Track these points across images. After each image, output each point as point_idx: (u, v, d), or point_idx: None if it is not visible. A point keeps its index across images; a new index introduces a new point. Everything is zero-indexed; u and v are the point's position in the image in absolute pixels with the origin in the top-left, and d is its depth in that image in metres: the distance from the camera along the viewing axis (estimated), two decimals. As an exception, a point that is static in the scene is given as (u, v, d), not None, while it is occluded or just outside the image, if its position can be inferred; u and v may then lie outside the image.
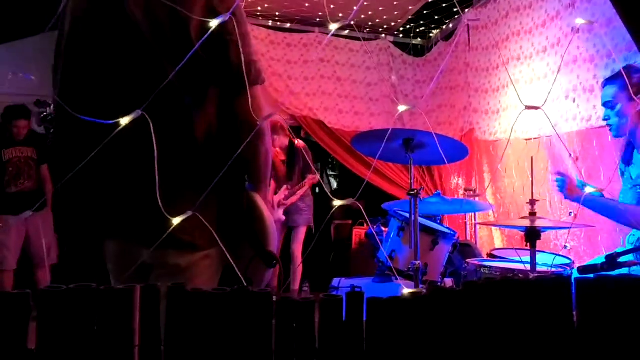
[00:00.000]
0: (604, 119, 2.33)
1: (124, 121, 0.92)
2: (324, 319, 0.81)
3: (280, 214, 4.41)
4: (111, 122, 0.95)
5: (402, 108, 1.26)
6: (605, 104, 2.31)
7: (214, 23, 1.06)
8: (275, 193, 4.48)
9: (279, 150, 4.54)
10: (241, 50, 1.17)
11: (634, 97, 2.14)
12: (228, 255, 0.98)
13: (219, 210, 1.23)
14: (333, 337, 0.80)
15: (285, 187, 4.46)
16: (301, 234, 4.56)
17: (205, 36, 1.06)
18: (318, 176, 4.55)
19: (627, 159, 2.31)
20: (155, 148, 1.02)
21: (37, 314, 0.74)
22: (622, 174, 2.35)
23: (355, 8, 4.67)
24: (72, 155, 1.21)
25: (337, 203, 1.08)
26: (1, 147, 3.98)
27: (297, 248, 4.52)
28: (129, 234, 1.20)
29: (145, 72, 1.18)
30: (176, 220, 0.94)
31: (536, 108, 1.20)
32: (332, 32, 1.11)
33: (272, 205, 4.40)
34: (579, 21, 2.91)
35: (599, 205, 2.23)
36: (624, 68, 2.28)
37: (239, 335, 0.77)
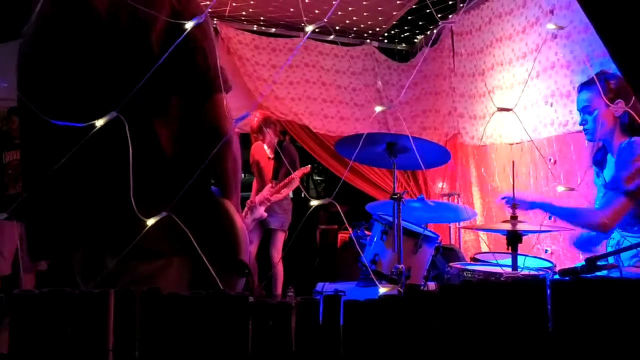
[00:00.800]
0: (581, 124, 2.35)
1: (99, 123, 0.91)
2: (300, 322, 0.81)
3: (261, 211, 4.37)
4: (84, 124, 0.94)
5: (379, 109, 1.27)
6: (582, 109, 2.33)
7: (188, 25, 1.05)
8: (261, 188, 4.47)
9: (266, 148, 4.54)
10: (208, 55, 1.16)
11: (609, 103, 2.18)
12: (204, 258, 0.97)
13: (188, 218, 1.20)
14: (310, 340, 0.80)
15: (270, 184, 4.44)
16: (279, 238, 4.54)
17: (177, 42, 1.05)
18: (309, 167, 4.53)
19: (598, 161, 2.35)
20: (130, 150, 1.01)
21: (9, 319, 0.73)
22: (598, 175, 2.38)
23: (340, 13, 4.70)
24: (37, 160, 1.20)
25: (313, 203, 1.09)
26: (2, 149, 3.97)
27: (276, 255, 4.50)
28: (93, 244, 1.18)
29: (108, 77, 1.16)
30: (150, 221, 0.93)
31: (508, 110, 1.22)
32: (307, 34, 1.10)
33: (253, 204, 4.40)
34: (550, 27, 2.96)
35: (554, 210, 2.28)
36: (599, 73, 2.31)
37: (215, 339, 0.77)
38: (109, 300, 0.74)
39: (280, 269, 4.58)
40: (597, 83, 2.23)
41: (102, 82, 1.16)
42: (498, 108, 1.23)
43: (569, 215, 2.23)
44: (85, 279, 1.25)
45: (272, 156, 4.53)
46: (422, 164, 2.02)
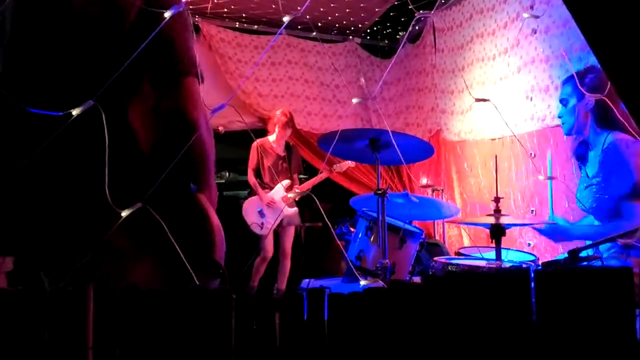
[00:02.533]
0: (558, 116, 2.40)
1: (76, 112, 0.89)
2: (284, 317, 0.80)
3: (289, 208, 4.48)
4: (60, 113, 0.92)
5: (355, 100, 1.26)
6: (560, 101, 2.39)
7: (167, 14, 1.04)
8: (264, 188, 4.47)
9: (275, 145, 4.53)
10: (179, 42, 1.14)
11: (582, 96, 2.24)
12: (182, 256, 0.95)
13: (161, 213, 1.13)
14: (294, 334, 0.80)
15: (286, 182, 4.46)
16: (292, 233, 4.66)
17: (155, 32, 1.04)
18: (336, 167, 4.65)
19: (580, 155, 2.38)
20: (106, 141, 0.99)
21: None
22: (580, 169, 2.41)
23: (322, 9, 4.68)
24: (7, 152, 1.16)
25: (290, 195, 1.07)
26: None
27: (289, 250, 4.61)
28: (58, 244, 1.15)
29: (83, 66, 1.14)
30: (124, 213, 0.91)
31: (485, 100, 1.22)
32: (284, 24, 1.09)
33: (274, 203, 4.42)
34: (525, 15, 3.00)
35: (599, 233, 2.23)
36: (585, 67, 2.36)
37: (197, 335, 0.75)
38: (88, 296, 0.72)
39: (288, 264, 4.60)
40: (574, 78, 2.29)
41: (77, 71, 1.13)
42: (475, 99, 1.24)
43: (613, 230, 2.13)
44: (52, 283, 1.22)
45: (283, 154, 4.54)
46: (407, 159, 2.02)
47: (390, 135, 1.89)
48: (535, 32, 3.35)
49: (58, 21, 1.14)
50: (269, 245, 4.50)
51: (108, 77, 1.07)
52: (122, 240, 1.10)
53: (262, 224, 4.42)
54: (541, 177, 2.30)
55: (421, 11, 4.77)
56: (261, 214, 4.43)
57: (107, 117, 1.08)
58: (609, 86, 2.20)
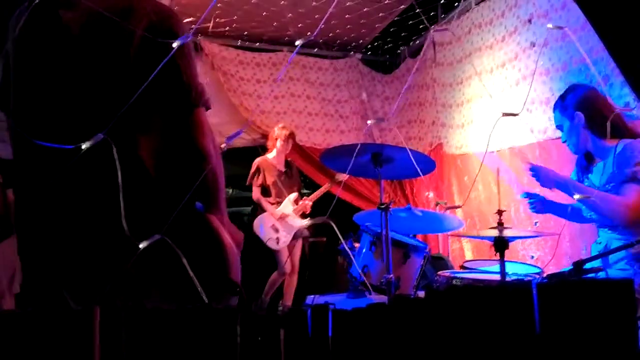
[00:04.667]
0: (563, 141, 2.44)
1: (85, 146, 0.91)
2: (289, 334, 0.80)
3: (300, 222, 4.49)
4: (71, 147, 0.93)
5: (371, 122, 1.27)
6: (557, 127, 2.44)
7: (175, 44, 1.06)
8: (271, 204, 4.50)
9: (275, 162, 4.57)
10: (184, 71, 1.14)
11: (570, 117, 2.29)
12: (196, 283, 0.95)
13: (177, 241, 1.16)
14: (298, 351, 0.80)
15: (293, 198, 4.50)
16: (300, 247, 4.70)
17: (164, 61, 1.05)
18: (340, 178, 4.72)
19: (584, 166, 2.39)
20: (119, 174, 1.00)
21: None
22: (581, 181, 2.41)
23: (322, 26, 4.73)
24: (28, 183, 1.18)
25: (307, 222, 1.09)
26: None
27: (296, 265, 4.64)
28: (80, 284, 1.14)
29: (87, 94, 1.13)
30: (142, 245, 0.92)
31: (514, 115, 1.23)
32: (297, 49, 1.11)
33: (285, 217, 4.46)
34: (550, 26, 3.02)
35: (577, 188, 2.22)
36: (565, 90, 2.43)
37: (202, 352, 0.76)
38: (95, 316, 0.73)
39: (296, 279, 4.63)
40: (558, 100, 2.38)
41: (81, 100, 1.13)
42: (503, 113, 1.24)
43: (596, 198, 2.15)
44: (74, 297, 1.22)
45: (283, 169, 4.58)
46: (409, 173, 2.03)
47: (407, 147, 1.90)
48: (534, 46, 3.38)
49: (57, 47, 1.14)
50: (284, 258, 4.52)
51: (114, 107, 1.07)
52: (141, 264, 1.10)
53: (278, 238, 4.43)
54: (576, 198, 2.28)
55: (434, 26, 4.83)
56: (274, 228, 4.45)
57: (119, 147, 1.07)
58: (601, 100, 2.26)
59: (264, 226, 4.44)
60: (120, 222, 0.96)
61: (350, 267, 2.92)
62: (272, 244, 4.40)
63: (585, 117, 2.27)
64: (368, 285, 2.65)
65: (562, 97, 2.37)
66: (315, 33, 1.33)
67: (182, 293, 1.07)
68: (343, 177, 4.65)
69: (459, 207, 4.38)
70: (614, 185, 2.19)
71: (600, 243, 2.31)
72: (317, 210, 5.54)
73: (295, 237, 4.54)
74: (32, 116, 1.17)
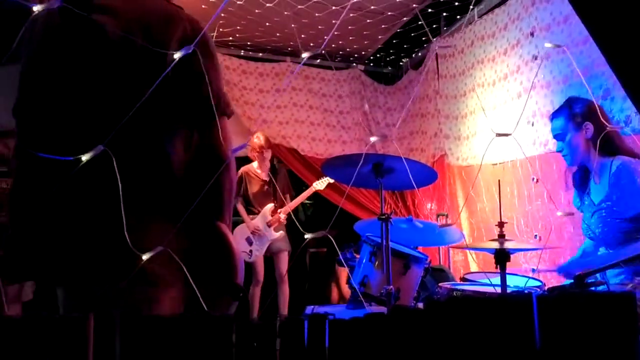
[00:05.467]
0: (558, 151, 2.40)
1: (85, 158, 0.91)
2: (285, 343, 0.79)
3: (275, 233, 4.46)
4: (71, 158, 0.94)
5: (373, 139, 1.28)
6: (556, 137, 2.39)
7: (176, 55, 1.06)
8: (249, 213, 4.47)
9: (259, 171, 4.57)
10: (212, 82, 1.18)
11: (578, 126, 2.25)
12: (195, 289, 0.96)
13: (186, 243, 1.21)
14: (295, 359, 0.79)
15: (271, 207, 4.48)
16: (286, 258, 4.63)
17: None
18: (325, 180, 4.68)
19: (579, 184, 2.37)
20: (119, 185, 1.00)
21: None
22: (581, 200, 2.39)
23: (326, 38, 4.76)
24: (29, 192, 1.18)
25: (307, 236, 1.09)
26: None
27: (284, 275, 4.60)
28: (80, 277, 1.16)
29: (111, 105, 1.16)
30: (145, 256, 0.92)
31: (506, 135, 1.23)
32: (303, 61, 1.12)
33: (259, 230, 4.42)
34: (548, 45, 3.02)
35: (609, 259, 2.19)
36: (566, 100, 2.39)
37: (197, 361, 0.75)
38: (89, 323, 0.72)
39: (286, 289, 4.58)
40: (565, 108, 2.32)
41: (110, 103, 1.16)
42: (497, 134, 1.24)
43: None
44: (70, 310, 1.23)
45: (267, 179, 4.55)
46: (411, 183, 2.02)
47: (404, 161, 1.89)
48: (536, 58, 3.39)
49: (94, 52, 1.17)
50: (259, 268, 4.50)
51: (147, 110, 1.11)
52: (155, 267, 1.12)
53: (251, 251, 4.41)
54: (559, 213, 2.27)
55: (437, 38, 4.85)
56: (249, 241, 4.44)
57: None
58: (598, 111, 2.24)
59: (238, 238, 4.41)
60: (127, 237, 0.98)
61: (348, 279, 2.90)
62: (244, 257, 4.37)
63: (594, 128, 2.24)
64: (361, 297, 2.63)
65: (568, 106, 2.32)
66: (322, 47, 1.36)
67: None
68: (323, 183, 4.66)
69: (451, 224, 4.37)
70: (609, 204, 2.18)
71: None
72: (318, 220, 5.53)
73: (273, 250, 4.51)
74: (54, 120, 1.19)
